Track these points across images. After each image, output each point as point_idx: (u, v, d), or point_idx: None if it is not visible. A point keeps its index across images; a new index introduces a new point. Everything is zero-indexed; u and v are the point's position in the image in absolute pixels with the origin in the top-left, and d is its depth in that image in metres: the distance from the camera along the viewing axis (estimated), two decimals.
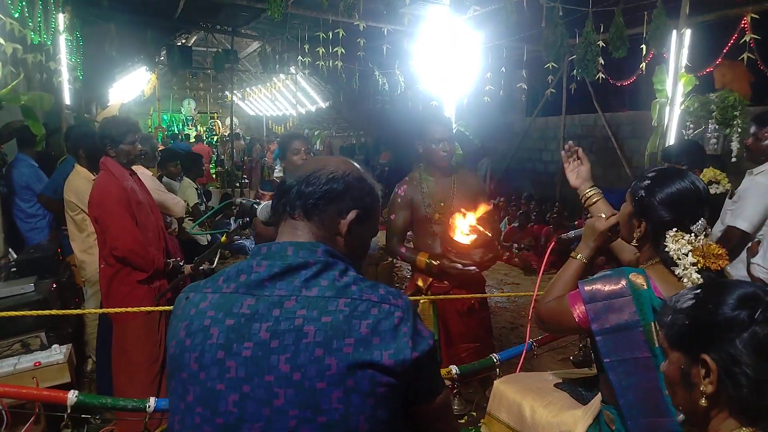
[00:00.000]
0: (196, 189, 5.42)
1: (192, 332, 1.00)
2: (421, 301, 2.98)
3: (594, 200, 1.97)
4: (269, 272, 1.01)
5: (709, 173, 3.60)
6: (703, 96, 4.31)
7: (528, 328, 2.21)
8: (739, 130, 3.96)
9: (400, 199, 2.99)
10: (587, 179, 2.02)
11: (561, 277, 1.71)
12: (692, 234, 1.46)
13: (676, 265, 1.45)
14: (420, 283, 3.01)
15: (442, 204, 2.94)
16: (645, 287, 1.45)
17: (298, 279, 1.00)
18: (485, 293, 3.21)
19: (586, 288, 1.51)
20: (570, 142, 2.12)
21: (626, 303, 1.44)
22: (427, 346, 1.02)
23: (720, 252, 1.43)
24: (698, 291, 1.04)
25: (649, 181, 1.53)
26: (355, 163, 1.17)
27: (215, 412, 0.96)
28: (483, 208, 2.84)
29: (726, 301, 0.98)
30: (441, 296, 2.95)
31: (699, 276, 1.41)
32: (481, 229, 2.77)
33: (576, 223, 7.43)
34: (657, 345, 1.37)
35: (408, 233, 3.14)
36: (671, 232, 1.47)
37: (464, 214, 2.80)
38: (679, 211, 1.48)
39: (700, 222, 1.47)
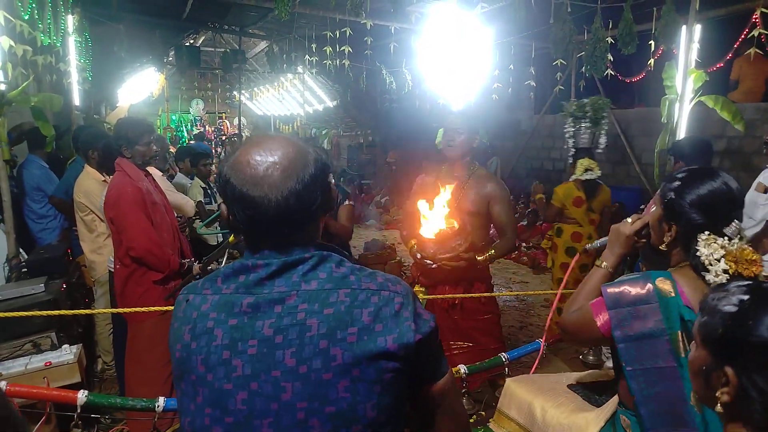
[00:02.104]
0: (204, 188, 5.45)
1: (197, 335, 1.00)
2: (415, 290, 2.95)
3: None
4: (267, 271, 1.01)
5: (585, 162, 4.27)
6: (579, 100, 4.94)
7: (546, 327, 2.18)
8: (606, 128, 4.77)
9: (416, 185, 3.08)
10: None
11: (585, 287, 1.63)
12: (725, 237, 1.38)
13: (707, 271, 1.37)
14: (415, 271, 3.03)
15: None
16: (672, 294, 1.38)
17: (296, 274, 1.01)
18: (487, 291, 3.00)
19: (609, 290, 1.43)
20: None
21: (652, 310, 1.37)
22: (429, 328, 1.04)
23: (754, 257, 1.35)
24: (745, 297, 0.96)
25: (679, 182, 1.45)
26: (294, 142, 1.05)
27: (224, 411, 0.97)
28: (467, 206, 2.78)
29: None
30: (449, 296, 2.88)
31: None
32: (448, 222, 2.67)
33: None
34: (683, 355, 1.32)
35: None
36: (703, 236, 1.39)
37: (432, 205, 2.68)
38: (711, 214, 1.40)
39: (733, 225, 1.40)
